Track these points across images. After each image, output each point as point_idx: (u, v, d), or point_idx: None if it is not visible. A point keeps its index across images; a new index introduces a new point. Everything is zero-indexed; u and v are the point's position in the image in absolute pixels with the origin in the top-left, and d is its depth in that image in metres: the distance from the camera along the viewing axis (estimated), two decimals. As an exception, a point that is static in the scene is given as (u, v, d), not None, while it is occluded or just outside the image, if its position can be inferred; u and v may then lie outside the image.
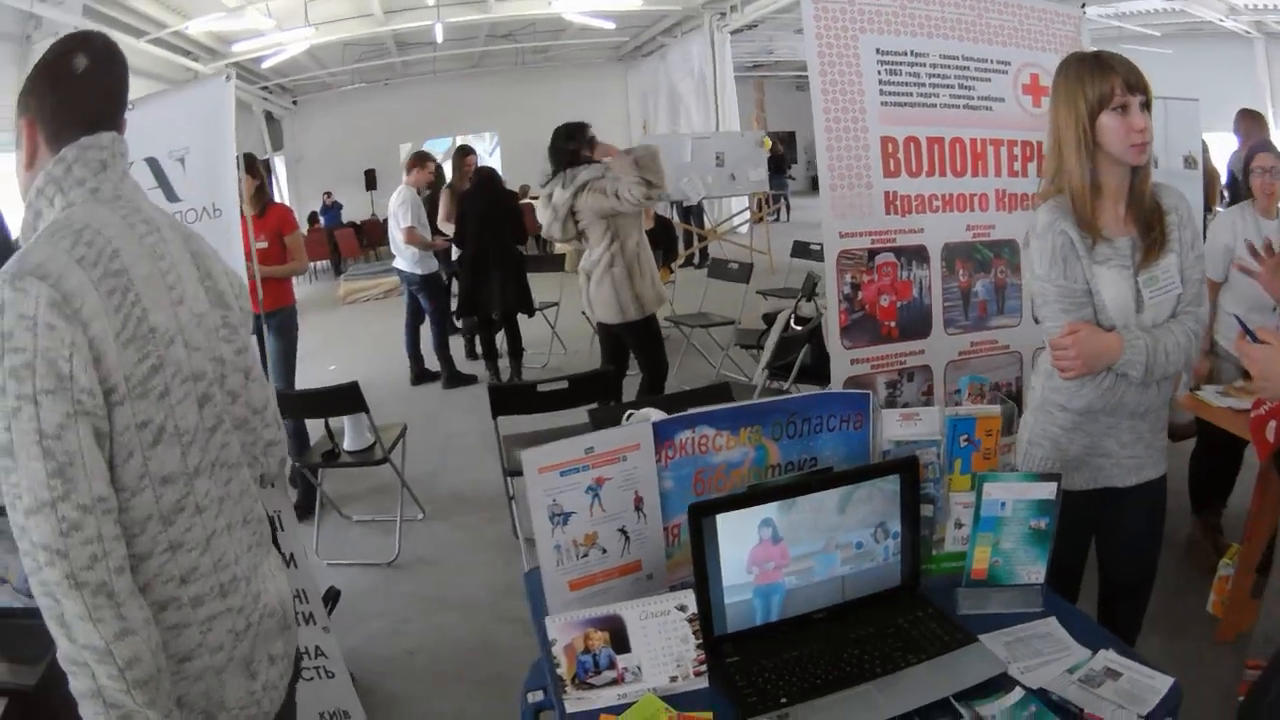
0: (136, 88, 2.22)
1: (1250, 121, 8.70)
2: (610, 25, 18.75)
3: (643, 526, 2.42)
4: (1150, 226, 2.75)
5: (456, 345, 10.34)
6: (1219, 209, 7.94)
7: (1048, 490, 2.40)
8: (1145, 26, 16.71)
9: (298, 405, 5.98)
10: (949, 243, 4.40)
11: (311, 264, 21.22)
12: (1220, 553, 4.40)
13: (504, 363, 9.71)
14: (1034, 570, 2.46)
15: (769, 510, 2.26)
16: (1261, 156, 4.71)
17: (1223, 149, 9.58)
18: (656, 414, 2.58)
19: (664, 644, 2.16)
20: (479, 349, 10.01)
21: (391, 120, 23.66)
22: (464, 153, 10.32)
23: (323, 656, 3.46)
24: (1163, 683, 2.12)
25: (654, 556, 2.45)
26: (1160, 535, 3.07)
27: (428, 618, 5.07)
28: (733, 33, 18.47)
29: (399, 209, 9.32)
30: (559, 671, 2.12)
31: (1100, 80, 2.65)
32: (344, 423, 5.95)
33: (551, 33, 20.91)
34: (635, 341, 6.40)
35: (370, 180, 24.05)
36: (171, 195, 3.17)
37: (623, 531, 2.40)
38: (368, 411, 5.77)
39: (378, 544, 6.04)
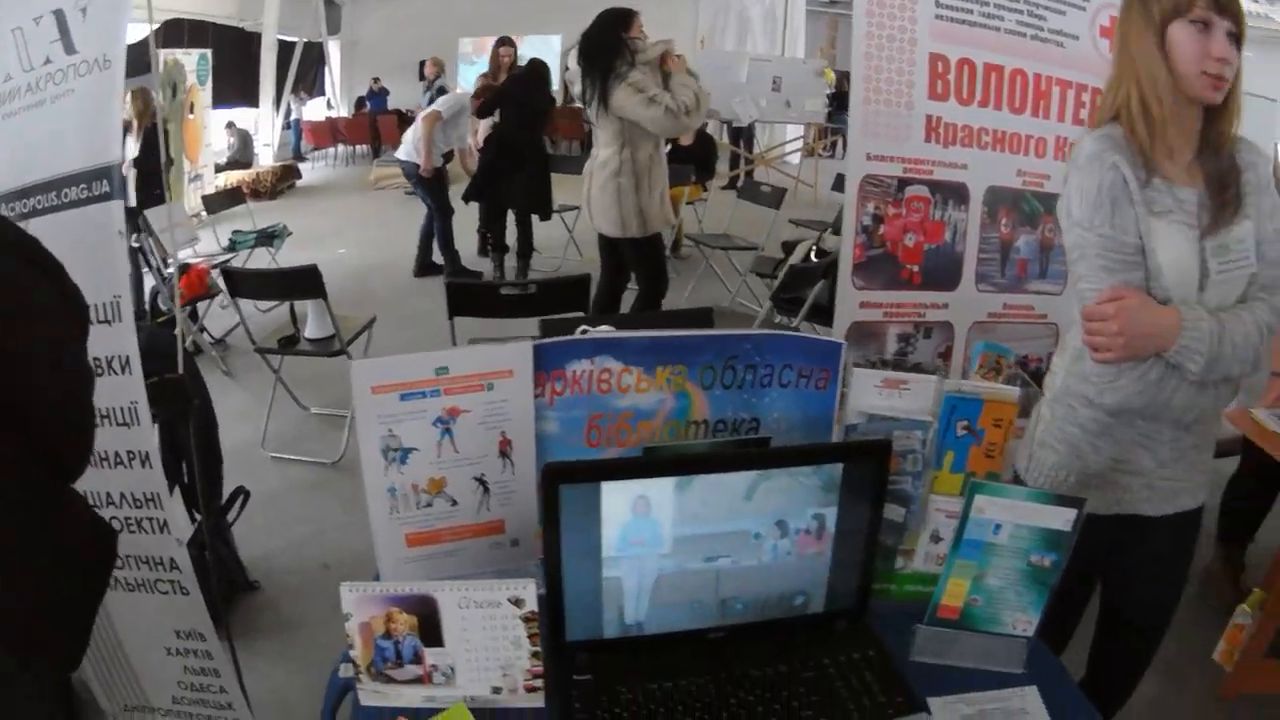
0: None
1: None
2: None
3: (509, 478, 1.87)
4: (1224, 185, 2.12)
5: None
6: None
7: (1063, 519, 1.74)
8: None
9: (256, 286, 5.82)
10: (994, 186, 3.82)
11: (352, 148, 21.55)
12: (1240, 593, 3.85)
13: (512, 262, 9.47)
14: (1023, 620, 1.82)
15: (660, 486, 1.66)
16: None
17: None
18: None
19: (488, 644, 1.62)
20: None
21: (452, 12, 23.11)
22: (501, 43, 10.03)
23: (176, 570, 3.04)
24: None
25: (522, 518, 1.90)
26: (1185, 576, 2.48)
27: (355, 530, 4.56)
28: (812, -38, 17.86)
29: (440, 100, 9.39)
30: (353, 655, 1.63)
31: None
32: (308, 308, 5.74)
33: (628, -63, 20.32)
34: (634, 257, 6.06)
35: (423, 71, 23.73)
36: (70, 47, 2.82)
37: (481, 481, 1.87)
38: (326, 298, 5.53)
39: (330, 441, 5.63)
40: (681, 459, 1.72)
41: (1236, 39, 2.06)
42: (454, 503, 1.86)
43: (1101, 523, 2.26)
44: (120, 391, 2.72)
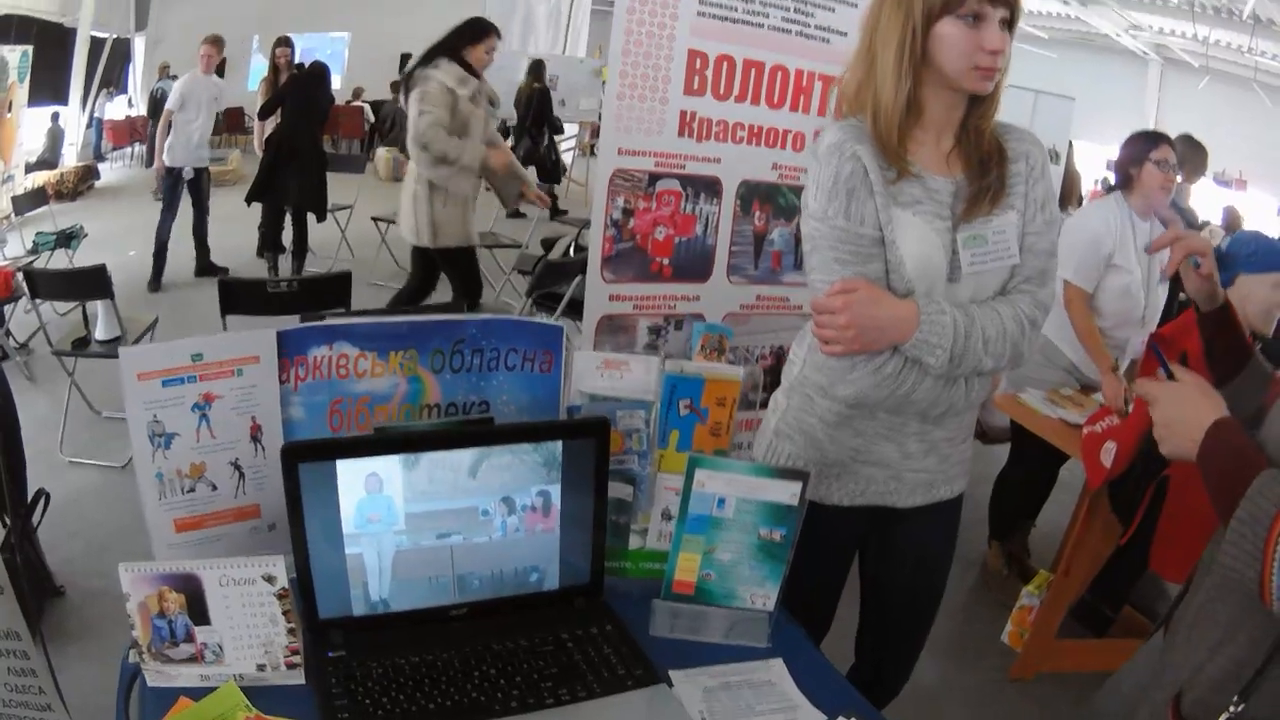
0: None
1: (1191, 150, 6.38)
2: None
3: (261, 462, 1.92)
4: (985, 172, 2.03)
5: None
6: (1072, 210, 7.18)
7: (788, 492, 1.82)
8: (1033, 27, 16.42)
9: (53, 287, 5.80)
10: (748, 180, 3.85)
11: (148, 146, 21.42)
12: (1026, 578, 3.94)
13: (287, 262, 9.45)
14: (761, 594, 1.89)
15: (389, 463, 1.74)
16: (1164, 148, 4.19)
17: (1091, 159, 9.30)
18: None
19: (249, 621, 1.66)
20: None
21: (250, 11, 22.69)
22: (278, 43, 10.05)
23: (-10, 567, 2.97)
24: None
25: (275, 501, 1.90)
26: (946, 568, 2.43)
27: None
28: (597, -38, 17.89)
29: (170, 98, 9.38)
30: (135, 634, 1.65)
31: None
32: (97, 309, 5.67)
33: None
34: (443, 265, 6.07)
35: (220, 69, 23.20)
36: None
37: (236, 466, 1.91)
38: (113, 298, 5.54)
39: (123, 444, 5.49)
40: (408, 437, 1.76)
41: (1009, 24, 1.96)
42: (214, 487, 1.89)
43: (850, 513, 2.23)
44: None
